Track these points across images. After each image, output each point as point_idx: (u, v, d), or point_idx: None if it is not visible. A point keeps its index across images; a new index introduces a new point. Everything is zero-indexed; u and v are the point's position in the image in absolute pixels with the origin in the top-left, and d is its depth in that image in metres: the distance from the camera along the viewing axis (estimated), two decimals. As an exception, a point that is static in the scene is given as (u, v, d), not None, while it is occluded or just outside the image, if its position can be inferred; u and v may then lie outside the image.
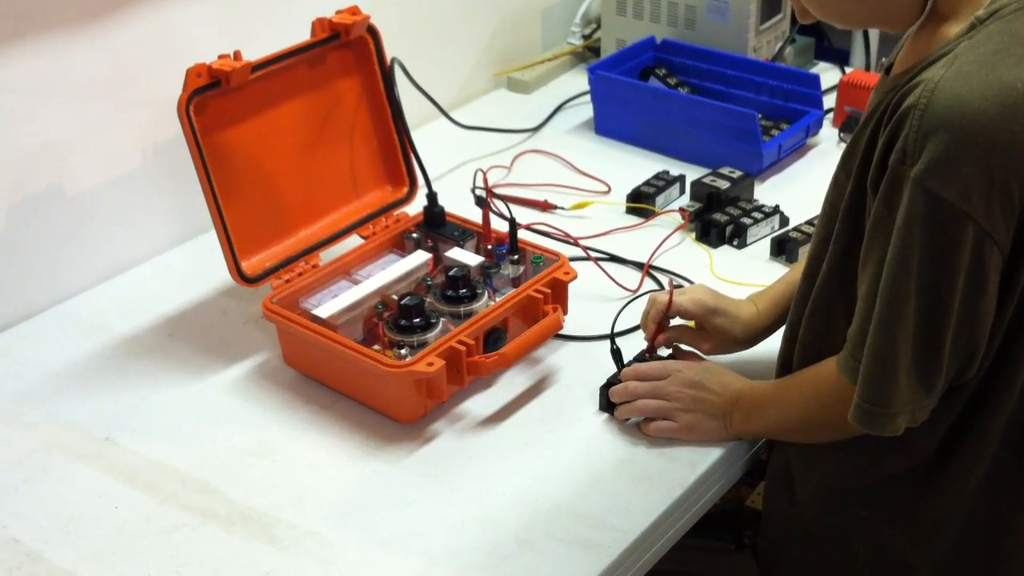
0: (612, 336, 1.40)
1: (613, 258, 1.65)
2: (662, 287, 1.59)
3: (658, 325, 1.37)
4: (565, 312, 1.45)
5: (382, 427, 1.35)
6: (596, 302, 1.56)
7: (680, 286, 1.43)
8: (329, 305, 1.39)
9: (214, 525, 1.23)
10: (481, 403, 1.39)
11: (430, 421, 1.36)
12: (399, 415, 1.35)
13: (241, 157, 1.42)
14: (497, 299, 1.42)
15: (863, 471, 1.22)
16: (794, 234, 1.65)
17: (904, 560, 1.24)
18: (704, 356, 1.40)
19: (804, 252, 1.63)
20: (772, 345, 1.40)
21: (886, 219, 1.05)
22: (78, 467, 1.31)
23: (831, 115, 1.97)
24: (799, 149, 1.91)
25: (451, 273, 1.40)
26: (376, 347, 1.38)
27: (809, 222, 1.67)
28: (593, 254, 1.63)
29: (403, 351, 1.33)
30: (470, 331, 1.34)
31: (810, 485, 1.29)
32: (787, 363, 1.29)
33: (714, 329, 1.38)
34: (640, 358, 1.38)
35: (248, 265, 1.43)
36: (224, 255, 1.40)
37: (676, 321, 1.41)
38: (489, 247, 1.50)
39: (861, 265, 1.10)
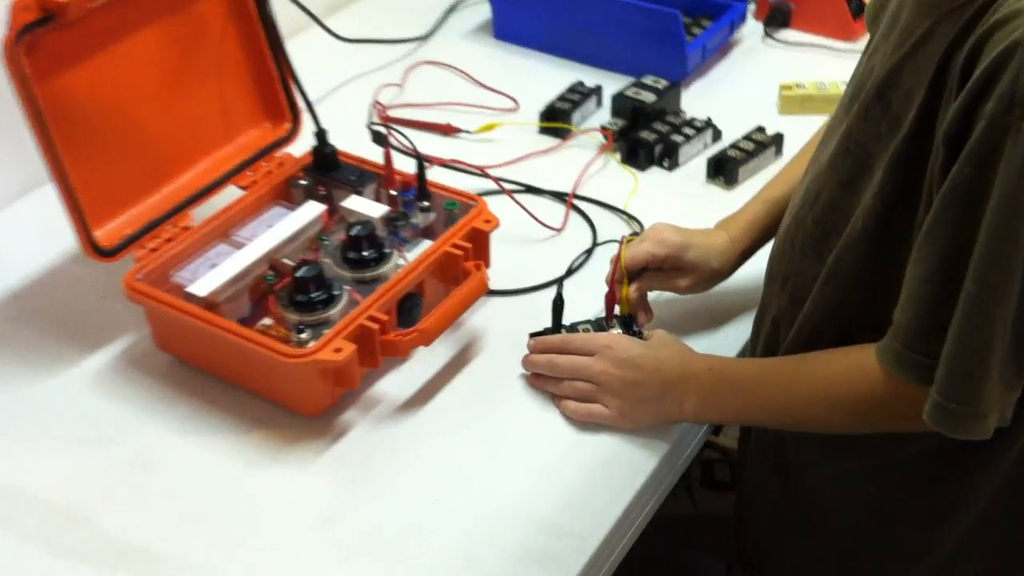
0: (561, 280, 1.19)
1: (530, 189, 1.44)
2: (591, 224, 1.38)
3: (617, 285, 1.18)
4: (488, 265, 1.24)
5: (283, 422, 1.13)
6: (517, 245, 1.35)
7: (636, 234, 1.23)
8: (207, 279, 1.15)
9: (87, 568, 1.00)
10: (397, 383, 1.18)
11: (339, 411, 1.15)
12: (302, 408, 1.13)
13: (86, 104, 1.15)
14: (408, 255, 1.20)
15: (885, 451, 1.05)
16: (733, 152, 1.46)
17: (925, 537, 1.09)
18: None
19: (745, 172, 1.45)
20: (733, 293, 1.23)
21: (975, 182, 0.84)
22: (-91, 500, 1.06)
23: (753, 7, 1.77)
24: (721, 48, 1.71)
25: (353, 232, 1.17)
26: (267, 321, 1.15)
27: (748, 137, 1.48)
28: (508, 186, 1.42)
29: (303, 335, 1.10)
30: (382, 303, 1.12)
31: (813, 465, 1.12)
32: (772, 335, 1.10)
33: (689, 265, 1.19)
34: (599, 327, 1.19)
35: (103, 234, 1.17)
36: (72, 224, 1.14)
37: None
38: (393, 192, 1.27)
39: (925, 236, 0.89)
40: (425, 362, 1.20)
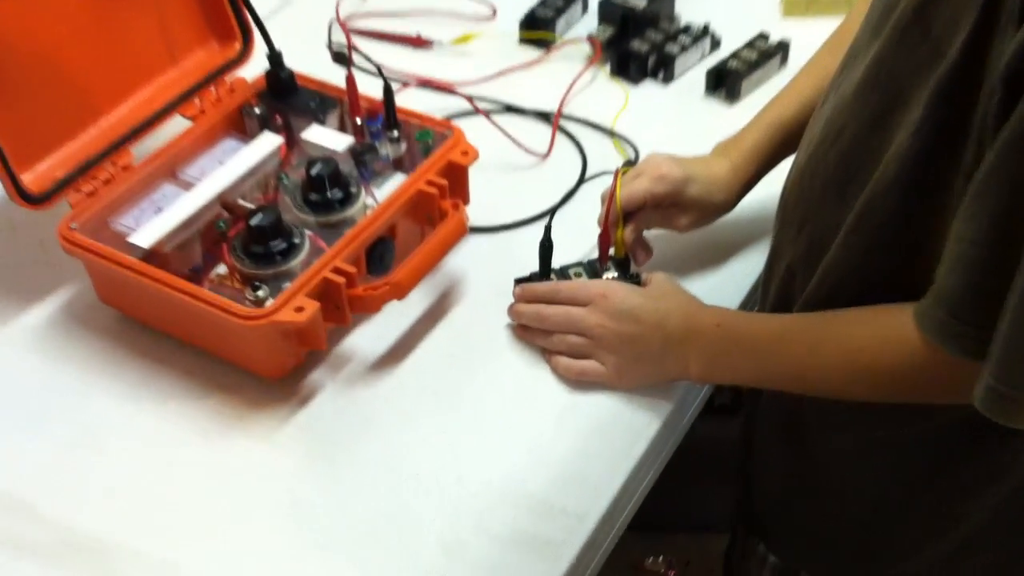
0: (549, 220, 1.06)
1: (510, 108, 1.31)
2: (580, 149, 1.26)
3: (612, 226, 1.05)
4: (467, 203, 1.12)
5: (242, 385, 1.02)
6: (497, 173, 1.22)
7: (631, 163, 1.10)
8: (151, 227, 1.03)
9: (30, 561, 0.90)
10: (369, 336, 1.07)
11: (305, 371, 1.03)
12: (263, 370, 1.02)
13: (5, 33, 1.01)
14: (377, 194, 1.08)
15: (914, 421, 0.94)
16: (734, 63, 1.32)
17: (947, 513, 0.99)
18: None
19: (748, 85, 1.32)
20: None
21: None
22: None
23: None
24: (717, -58, 1.56)
25: (314, 172, 1.04)
26: (222, 269, 1.03)
27: (750, 45, 1.35)
28: (486, 106, 1.28)
29: (260, 292, 0.98)
30: (348, 252, 1.00)
31: (831, 434, 1.01)
32: (787, 282, 0.98)
33: (691, 201, 1.07)
34: (593, 271, 1.06)
35: (32, 178, 1.04)
36: (-5, 169, 1.01)
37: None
38: (358, 121, 1.14)
39: (978, 191, 0.76)
40: (399, 312, 1.08)
